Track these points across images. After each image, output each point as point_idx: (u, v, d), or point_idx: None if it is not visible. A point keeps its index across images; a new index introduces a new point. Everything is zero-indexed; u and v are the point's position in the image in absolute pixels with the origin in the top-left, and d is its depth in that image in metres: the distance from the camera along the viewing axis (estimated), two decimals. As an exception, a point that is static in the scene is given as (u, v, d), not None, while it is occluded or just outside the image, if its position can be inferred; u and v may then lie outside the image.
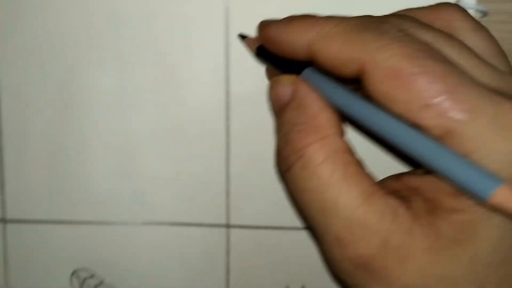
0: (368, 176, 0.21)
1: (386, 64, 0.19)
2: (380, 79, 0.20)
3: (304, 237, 0.30)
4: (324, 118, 0.22)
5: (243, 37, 0.28)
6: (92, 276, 0.31)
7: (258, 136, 0.29)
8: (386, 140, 0.21)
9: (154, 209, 0.30)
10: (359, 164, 0.21)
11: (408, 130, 0.20)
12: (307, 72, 0.23)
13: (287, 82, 0.23)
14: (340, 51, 0.21)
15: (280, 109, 0.24)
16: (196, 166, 0.30)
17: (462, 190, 0.19)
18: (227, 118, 0.29)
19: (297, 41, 0.22)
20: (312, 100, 0.22)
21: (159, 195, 0.30)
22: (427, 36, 0.21)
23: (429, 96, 0.19)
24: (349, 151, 0.22)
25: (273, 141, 0.28)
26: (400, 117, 0.20)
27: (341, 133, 0.22)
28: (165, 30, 0.29)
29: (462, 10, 0.23)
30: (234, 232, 0.30)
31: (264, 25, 0.24)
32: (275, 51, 0.24)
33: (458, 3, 0.24)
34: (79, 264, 0.31)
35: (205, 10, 0.29)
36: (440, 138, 0.19)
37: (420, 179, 0.21)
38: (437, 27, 0.22)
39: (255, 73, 0.29)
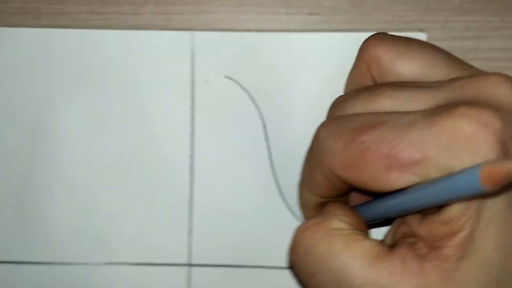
0: (370, 240, 0.23)
1: (340, 163, 0.22)
2: (345, 175, 0.22)
3: (266, 275, 0.30)
4: (328, 208, 0.25)
5: None
6: (50, 319, 0.30)
7: (221, 176, 0.30)
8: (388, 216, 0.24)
9: (115, 249, 0.30)
10: (359, 234, 0.23)
11: (396, 199, 0.22)
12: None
13: None
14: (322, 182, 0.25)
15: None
16: (158, 205, 0.31)
17: (459, 199, 0.20)
18: (191, 157, 0.30)
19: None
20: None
21: (120, 235, 0.31)
22: (357, 105, 0.23)
23: (383, 162, 0.21)
24: (349, 228, 0.23)
25: (235, 179, 0.30)
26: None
27: (346, 221, 0.24)
28: (133, 71, 0.30)
29: (382, 42, 0.25)
30: (195, 271, 0.30)
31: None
32: None
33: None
34: None
35: (171, 51, 0.30)
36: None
37: (412, 222, 0.23)
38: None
39: (219, 112, 0.30)
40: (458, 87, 0.22)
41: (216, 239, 0.30)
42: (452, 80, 0.22)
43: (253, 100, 0.30)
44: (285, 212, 0.30)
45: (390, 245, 0.23)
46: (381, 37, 0.25)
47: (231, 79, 0.30)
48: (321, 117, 0.27)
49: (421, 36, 0.30)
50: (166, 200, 0.31)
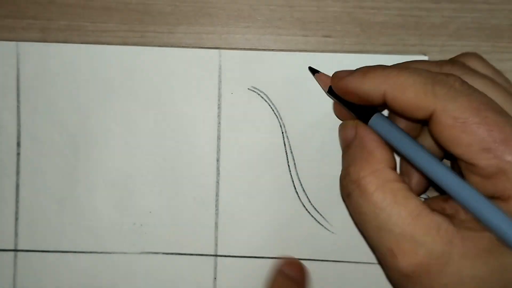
0: (415, 199, 0.25)
1: (454, 114, 0.24)
2: (448, 125, 0.24)
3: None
4: (377, 154, 0.26)
5: (313, 71, 0.31)
6: (92, 302, 0.33)
7: (244, 177, 0.32)
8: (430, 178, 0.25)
9: (150, 240, 0.33)
10: (407, 190, 0.26)
11: (449, 175, 0.24)
12: (375, 117, 0.28)
13: (351, 125, 0.28)
14: (413, 100, 0.25)
15: (345, 147, 0.28)
16: (188, 202, 0.33)
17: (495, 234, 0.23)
18: (217, 159, 0.32)
19: (373, 90, 0.26)
20: (370, 140, 0.27)
21: (155, 228, 0.33)
22: (478, 82, 0.25)
23: (488, 142, 0.23)
24: (398, 180, 0.26)
25: (257, 179, 0.32)
26: (459, 158, 0.24)
27: (392, 166, 0.27)
28: (167, 83, 0.32)
29: (482, 58, 0.27)
30: (220, 260, 0.33)
31: (339, 77, 0.28)
32: (349, 98, 0.28)
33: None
34: None
35: (201, 66, 0.32)
36: (491, 176, 0.23)
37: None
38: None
39: (243, 120, 0.32)
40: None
41: (239, 233, 0.33)
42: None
43: (273, 109, 0.32)
44: (300, 210, 0.32)
45: (431, 208, 0.26)
46: (480, 56, 0.27)
47: (253, 91, 0.32)
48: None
49: (423, 58, 0.31)
50: (195, 197, 0.33)
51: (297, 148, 0.32)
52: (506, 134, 0.23)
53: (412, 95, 0.25)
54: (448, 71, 0.25)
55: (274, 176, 0.32)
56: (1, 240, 0.33)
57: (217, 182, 0.32)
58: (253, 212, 0.33)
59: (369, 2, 0.32)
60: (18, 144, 0.33)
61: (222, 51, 0.32)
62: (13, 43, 0.32)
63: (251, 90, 0.32)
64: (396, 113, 0.27)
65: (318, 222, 0.32)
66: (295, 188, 0.32)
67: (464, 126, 0.23)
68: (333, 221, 0.32)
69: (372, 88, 0.26)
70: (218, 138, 0.32)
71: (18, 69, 0.32)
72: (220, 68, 0.32)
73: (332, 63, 0.32)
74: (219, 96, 0.32)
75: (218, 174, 0.32)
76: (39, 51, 0.32)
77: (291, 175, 0.32)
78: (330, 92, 0.30)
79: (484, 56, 0.27)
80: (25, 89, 0.33)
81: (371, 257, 0.32)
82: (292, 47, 0.32)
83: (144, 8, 0.32)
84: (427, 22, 0.30)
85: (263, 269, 0.32)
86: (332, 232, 0.32)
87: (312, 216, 0.32)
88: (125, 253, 0.33)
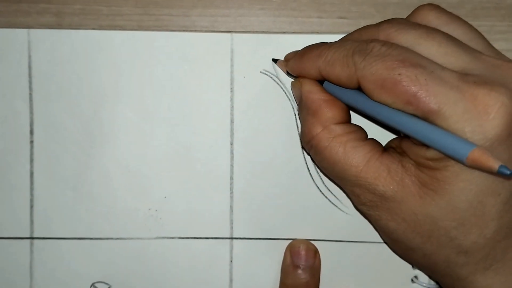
0: (363, 147, 0.27)
1: (372, 78, 0.25)
2: (371, 89, 0.25)
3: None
4: (323, 112, 0.28)
5: (275, 60, 0.32)
6: (108, 288, 0.33)
7: (257, 160, 0.33)
8: (383, 123, 0.27)
9: (166, 225, 0.33)
10: (355, 140, 0.28)
11: (400, 115, 0.25)
12: (326, 83, 0.29)
13: (297, 85, 0.30)
14: (341, 73, 0.27)
15: (297, 105, 0.31)
16: (202, 186, 0.33)
17: (446, 155, 0.24)
18: (231, 143, 0.33)
19: (310, 69, 0.28)
20: (313, 100, 0.29)
21: (170, 212, 0.33)
22: (409, 36, 0.26)
23: (407, 97, 0.24)
24: (347, 132, 0.28)
25: (270, 162, 0.32)
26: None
27: (341, 121, 0.28)
28: (180, 67, 0.32)
29: (436, 8, 0.28)
30: (236, 243, 0.33)
31: (287, 59, 0.31)
32: (298, 75, 0.30)
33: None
34: (97, 277, 0.33)
35: (214, 50, 0.32)
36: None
37: (412, 144, 0.27)
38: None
39: (255, 103, 0.32)
40: (493, 66, 0.25)
41: (254, 215, 0.33)
42: (489, 57, 0.26)
43: (286, 92, 0.32)
44: (315, 192, 0.33)
45: (383, 149, 0.28)
46: (435, 6, 0.28)
47: (266, 74, 0.32)
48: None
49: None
50: (210, 181, 0.33)
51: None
52: (421, 85, 0.24)
53: (339, 68, 0.27)
54: (383, 31, 0.27)
55: (288, 159, 0.33)
56: (17, 228, 0.33)
57: (231, 165, 0.33)
58: (268, 195, 0.33)
59: (383, -17, 0.32)
60: (31, 132, 0.33)
61: (234, 34, 0.32)
62: (25, 30, 0.32)
63: (264, 73, 0.32)
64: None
65: (332, 203, 0.33)
66: (309, 170, 0.33)
67: (383, 87, 0.25)
68: (347, 202, 0.33)
69: (309, 67, 0.28)
70: (232, 121, 0.33)
71: (30, 57, 0.32)
72: (232, 52, 0.32)
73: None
74: (232, 79, 0.32)
75: (232, 157, 0.33)
76: (51, 38, 0.32)
77: (304, 157, 0.33)
78: (288, 73, 0.32)
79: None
80: (37, 77, 0.33)
81: (386, 237, 0.33)
82: (307, 29, 0.32)
83: (158, -8, 0.32)
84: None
85: (279, 251, 0.33)
86: (346, 213, 0.33)
87: (326, 197, 0.33)
88: (141, 238, 0.33)
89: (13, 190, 0.33)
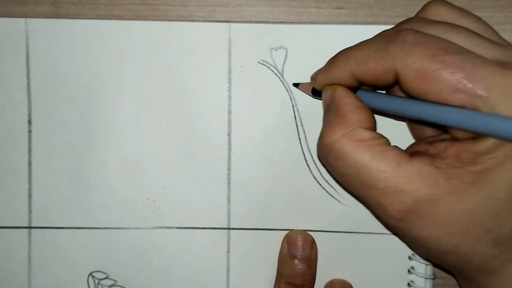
0: (392, 150, 0.26)
1: (414, 67, 0.24)
2: (412, 79, 0.24)
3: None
4: (350, 116, 0.27)
5: (296, 84, 0.32)
6: (106, 277, 0.33)
7: (255, 150, 0.33)
8: (426, 121, 0.25)
9: (163, 215, 0.33)
10: (383, 144, 0.26)
11: (446, 109, 0.24)
12: (359, 92, 0.28)
13: (330, 90, 0.29)
14: (376, 68, 0.25)
15: (324, 111, 0.29)
16: (200, 176, 0.33)
17: (506, 139, 0.23)
18: (229, 134, 0.33)
19: (342, 75, 0.27)
20: (344, 104, 0.27)
21: (168, 202, 0.33)
22: (436, 31, 0.25)
23: (454, 84, 0.23)
24: (374, 137, 0.27)
25: (268, 153, 0.32)
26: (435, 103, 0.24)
27: (368, 127, 0.27)
28: (177, 57, 0.32)
29: (445, 3, 0.27)
30: (233, 233, 0.33)
31: (313, 77, 0.30)
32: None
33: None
34: (95, 266, 0.33)
35: (211, 40, 0.32)
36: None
37: (445, 143, 0.26)
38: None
39: (253, 94, 0.32)
40: None
41: (252, 206, 0.33)
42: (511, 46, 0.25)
43: (284, 82, 0.32)
44: (312, 182, 0.33)
45: (410, 154, 0.26)
46: (444, 1, 0.27)
47: (263, 64, 0.32)
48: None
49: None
50: (207, 172, 0.33)
51: (307, 120, 0.33)
52: (467, 71, 0.23)
53: (373, 63, 0.25)
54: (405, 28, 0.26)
55: (285, 149, 0.33)
56: (15, 217, 0.33)
57: (229, 156, 0.33)
58: (265, 185, 0.33)
59: (381, -27, 0.32)
60: (29, 122, 0.33)
61: (232, 24, 0.32)
62: (22, 19, 0.32)
63: (261, 63, 0.32)
64: (374, 87, 0.28)
65: (330, 194, 0.33)
66: (306, 161, 0.33)
67: (427, 75, 0.24)
68: (344, 193, 0.33)
69: (340, 74, 0.27)
70: (229, 112, 0.33)
71: (27, 46, 0.32)
72: (230, 42, 0.32)
73: (345, 35, 0.32)
74: (229, 70, 0.32)
75: (229, 148, 0.33)
76: (48, 28, 0.32)
77: (302, 148, 0.33)
78: (314, 93, 0.31)
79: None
80: (35, 66, 0.32)
81: (383, 228, 0.33)
82: (305, 19, 0.32)
83: (155, -19, 0.32)
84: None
85: (276, 241, 0.33)
86: (344, 204, 0.33)
87: (323, 188, 0.33)
88: (138, 228, 0.33)
89: (11, 179, 0.33)
